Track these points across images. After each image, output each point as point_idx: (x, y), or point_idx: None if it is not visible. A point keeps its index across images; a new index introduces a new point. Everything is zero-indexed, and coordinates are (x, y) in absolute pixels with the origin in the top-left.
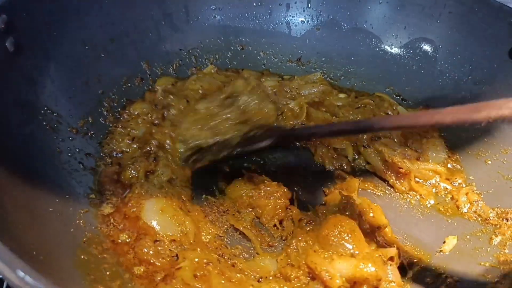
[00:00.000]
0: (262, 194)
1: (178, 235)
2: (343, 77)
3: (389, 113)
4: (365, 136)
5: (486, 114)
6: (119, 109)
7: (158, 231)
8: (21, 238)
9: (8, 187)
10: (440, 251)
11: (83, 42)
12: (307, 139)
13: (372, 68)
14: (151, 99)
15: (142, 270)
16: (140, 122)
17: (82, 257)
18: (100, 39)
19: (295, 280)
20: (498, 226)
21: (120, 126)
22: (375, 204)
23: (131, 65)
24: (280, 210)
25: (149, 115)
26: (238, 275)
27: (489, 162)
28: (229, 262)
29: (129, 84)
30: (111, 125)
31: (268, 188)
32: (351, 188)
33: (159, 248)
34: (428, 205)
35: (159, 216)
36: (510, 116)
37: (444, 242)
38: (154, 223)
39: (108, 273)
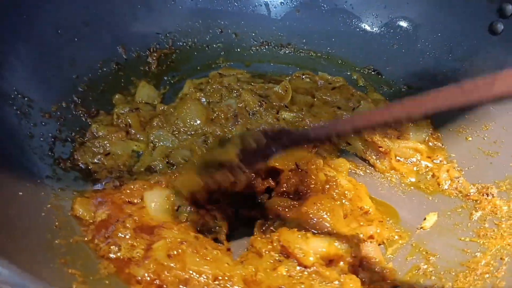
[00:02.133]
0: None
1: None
2: (324, 58)
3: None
4: (343, 117)
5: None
6: (95, 96)
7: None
8: None
9: None
10: (421, 227)
11: (55, 25)
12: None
13: (353, 48)
14: (109, 121)
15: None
16: (107, 141)
17: (56, 241)
18: (74, 23)
19: (267, 255)
20: (478, 202)
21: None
22: (361, 183)
23: (106, 49)
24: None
25: (114, 135)
26: (215, 251)
27: (470, 139)
28: (209, 237)
29: (104, 69)
30: (85, 115)
31: None
32: (340, 168)
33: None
34: (409, 183)
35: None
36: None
37: (425, 219)
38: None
39: (79, 257)
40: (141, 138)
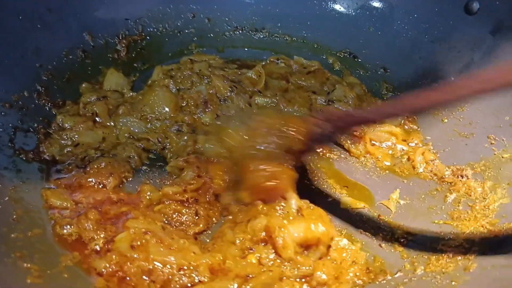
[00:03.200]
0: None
1: None
2: (299, 42)
3: None
4: (318, 101)
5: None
6: (61, 85)
7: None
8: None
9: None
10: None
11: (16, 12)
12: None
13: (328, 31)
14: (75, 111)
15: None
16: (75, 132)
17: (11, 235)
18: (36, 9)
19: (241, 242)
20: (453, 184)
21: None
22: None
23: (72, 37)
24: None
25: (81, 125)
26: (182, 241)
27: (446, 121)
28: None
29: (70, 57)
30: (50, 105)
31: None
32: None
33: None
34: (384, 167)
35: None
36: None
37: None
38: None
39: (37, 250)
40: (110, 124)
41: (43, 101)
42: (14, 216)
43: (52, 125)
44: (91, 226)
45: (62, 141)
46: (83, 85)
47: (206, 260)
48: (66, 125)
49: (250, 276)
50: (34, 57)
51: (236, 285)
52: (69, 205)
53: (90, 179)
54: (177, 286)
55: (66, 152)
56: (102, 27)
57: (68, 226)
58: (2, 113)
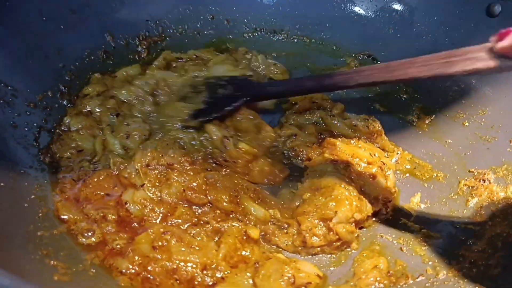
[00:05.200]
0: None
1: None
2: (318, 44)
3: None
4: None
5: (460, 68)
6: (82, 85)
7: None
8: None
9: None
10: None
11: (40, 13)
12: (278, 96)
13: (347, 33)
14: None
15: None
16: (82, 133)
17: (37, 233)
18: (60, 10)
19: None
20: (475, 188)
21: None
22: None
23: (94, 38)
24: None
25: (88, 130)
26: (199, 238)
27: (467, 124)
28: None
29: (92, 57)
30: (71, 105)
31: None
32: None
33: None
34: (405, 170)
35: None
36: (484, 69)
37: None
38: None
39: (62, 247)
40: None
41: (66, 100)
42: (40, 214)
43: (61, 126)
44: (112, 229)
45: (70, 143)
46: (95, 75)
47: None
48: (73, 128)
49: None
50: (57, 57)
51: (249, 274)
52: (81, 218)
53: (96, 193)
54: (201, 283)
55: (69, 157)
56: (123, 28)
57: (89, 233)
58: (27, 113)
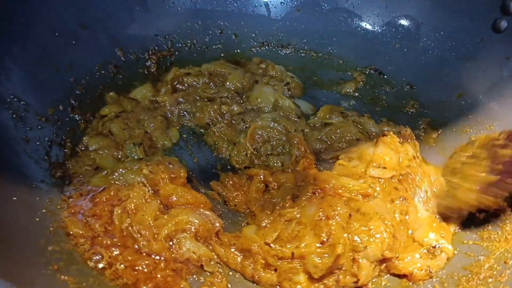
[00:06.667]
0: None
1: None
2: (325, 58)
3: None
4: None
5: None
6: (93, 99)
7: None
8: None
9: None
10: None
11: (52, 28)
12: None
13: (354, 48)
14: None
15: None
16: (102, 153)
17: (48, 247)
18: (71, 26)
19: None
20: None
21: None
22: None
23: (104, 52)
24: None
25: (106, 150)
26: None
27: (473, 139)
28: None
29: (103, 72)
30: (82, 120)
31: None
32: None
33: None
34: None
35: None
36: None
37: None
38: None
39: (73, 262)
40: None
41: (77, 115)
42: (51, 229)
43: (79, 144)
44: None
45: (87, 161)
46: (110, 93)
47: None
48: (91, 148)
49: None
50: (68, 72)
51: None
52: (89, 234)
53: (103, 208)
54: None
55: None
56: (133, 43)
57: (97, 257)
58: (39, 127)
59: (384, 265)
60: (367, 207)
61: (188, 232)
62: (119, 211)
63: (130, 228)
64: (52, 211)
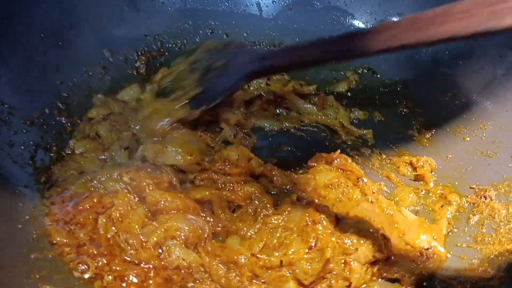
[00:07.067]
0: None
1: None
2: None
3: None
4: None
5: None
6: (80, 101)
7: None
8: None
9: None
10: None
11: (38, 29)
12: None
13: None
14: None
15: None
16: (87, 156)
17: (31, 255)
18: (58, 26)
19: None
20: (476, 205)
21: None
22: None
23: (92, 53)
24: None
25: (93, 153)
26: None
27: (468, 139)
28: None
29: (90, 73)
30: (69, 124)
31: None
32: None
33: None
34: None
35: None
36: None
37: None
38: None
39: (56, 271)
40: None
41: (63, 118)
42: (34, 236)
43: (65, 148)
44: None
45: (72, 165)
46: (98, 95)
47: None
48: (77, 151)
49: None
50: (55, 73)
51: None
52: (74, 243)
53: (87, 216)
54: None
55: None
56: (122, 44)
57: (83, 267)
58: (24, 130)
59: (376, 267)
60: (356, 211)
61: (178, 239)
62: (104, 220)
63: (116, 237)
64: (36, 218)
